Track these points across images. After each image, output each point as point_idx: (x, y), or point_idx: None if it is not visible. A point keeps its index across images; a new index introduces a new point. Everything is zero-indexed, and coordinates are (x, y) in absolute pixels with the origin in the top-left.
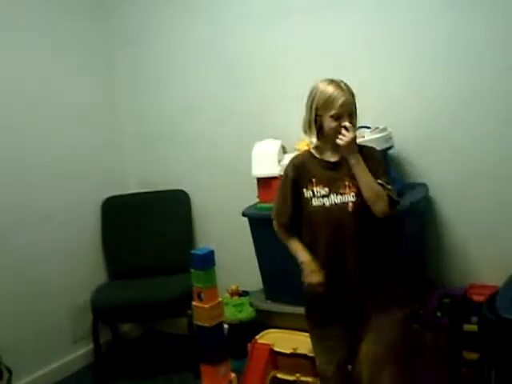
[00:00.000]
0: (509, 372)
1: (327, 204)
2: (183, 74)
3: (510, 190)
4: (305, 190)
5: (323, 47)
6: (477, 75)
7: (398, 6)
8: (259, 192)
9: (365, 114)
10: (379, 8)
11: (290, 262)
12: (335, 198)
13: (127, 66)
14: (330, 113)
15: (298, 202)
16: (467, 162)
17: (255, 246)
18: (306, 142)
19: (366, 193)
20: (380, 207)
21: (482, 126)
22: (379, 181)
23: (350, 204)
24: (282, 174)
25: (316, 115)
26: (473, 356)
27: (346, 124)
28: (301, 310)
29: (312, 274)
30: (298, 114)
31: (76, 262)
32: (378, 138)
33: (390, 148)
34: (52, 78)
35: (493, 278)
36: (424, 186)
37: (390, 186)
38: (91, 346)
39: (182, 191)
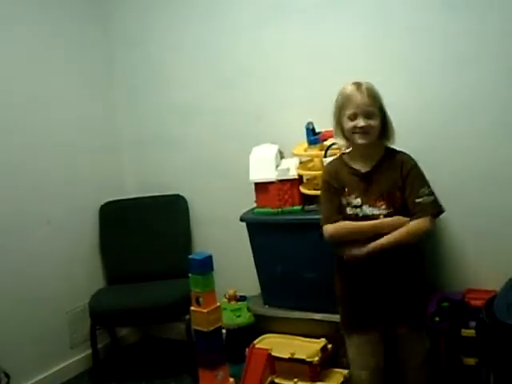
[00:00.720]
0: (507, 376)
1: (360, 215)
2: (181, 78)
3: (508, 193)
4: (341, 197)
5: (322, 50)
6: (476, 77)
7: (398, 8)
8: (257, 197)
9: None
10: (379, 9)
11: (287, 267)
12: (367, 210)
13: (126, 69)
14: (347, 113)
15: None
16: (466, 164)
17: (253, 250)
18: (304, 147)
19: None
20: (419, 239)
21: (480, 127)
22: (417, 200)
23: (382, 216)
24: (279, 178)
25: (339, 116)
26: (471, 361)
27: (361, 123)
28: (298, 315)
29: (392, 223)
30: (295, 117)
31: (74, 266)
32: None
33: None
34: (51, 81)
35: (490, 282)
36: None
37: (431, 198)
38: (89, 351)
39: (179, 196)
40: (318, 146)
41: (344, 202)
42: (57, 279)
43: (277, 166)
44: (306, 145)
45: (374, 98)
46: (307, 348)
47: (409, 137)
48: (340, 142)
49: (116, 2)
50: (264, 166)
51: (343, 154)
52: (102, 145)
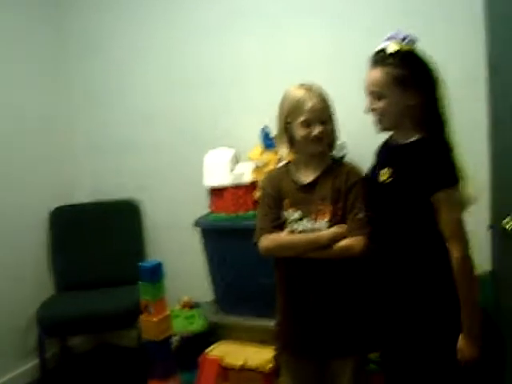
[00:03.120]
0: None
1: (299, 229)
2: (138, 81)
3: None
4: (281, 210)
5: (281, 56)
6: None
7: (359, 16)
8: (211, 202)
9: None
10: (340, 17)
11: (242, 273)
12: (307, 223)
13: (82, 71)
14: (300, 119)
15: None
16: None
17: (207, 257)
18: (260, 151)
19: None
20: (354, 255)
21: None
22: (360, 214)
23: (323, 230)
24: (234, 183)
25: (286, 123)
26: None
27: (316, 131)
28: (252, 321)
29: (335, 233)
30: (252, 122)
31: (23, 273)
32: None
33: (343, 157)
34: (3, 87)
35: None
36: None
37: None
38: (37, 361)
39: (132, 201)
40: (273, 150)
41: (284, 216)
42: (5, 286)
43: (231, 171)
44: (261, 149)
45: (326, 101)
46: (261, 355)
47: (371, 148)
48: (283, 150)
49: (74, 5)
50: (218, 170)
51: (288, 162)
52: (55, 150)
